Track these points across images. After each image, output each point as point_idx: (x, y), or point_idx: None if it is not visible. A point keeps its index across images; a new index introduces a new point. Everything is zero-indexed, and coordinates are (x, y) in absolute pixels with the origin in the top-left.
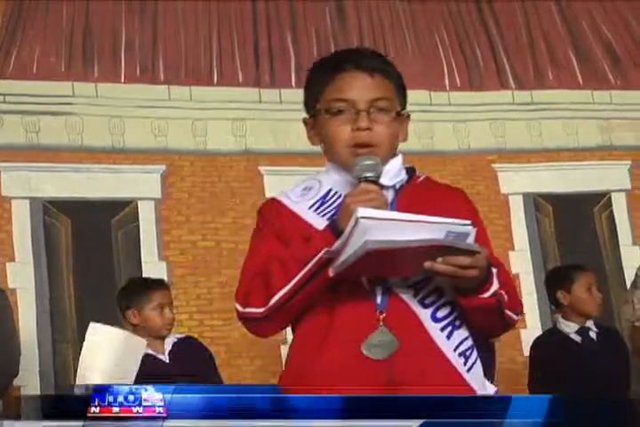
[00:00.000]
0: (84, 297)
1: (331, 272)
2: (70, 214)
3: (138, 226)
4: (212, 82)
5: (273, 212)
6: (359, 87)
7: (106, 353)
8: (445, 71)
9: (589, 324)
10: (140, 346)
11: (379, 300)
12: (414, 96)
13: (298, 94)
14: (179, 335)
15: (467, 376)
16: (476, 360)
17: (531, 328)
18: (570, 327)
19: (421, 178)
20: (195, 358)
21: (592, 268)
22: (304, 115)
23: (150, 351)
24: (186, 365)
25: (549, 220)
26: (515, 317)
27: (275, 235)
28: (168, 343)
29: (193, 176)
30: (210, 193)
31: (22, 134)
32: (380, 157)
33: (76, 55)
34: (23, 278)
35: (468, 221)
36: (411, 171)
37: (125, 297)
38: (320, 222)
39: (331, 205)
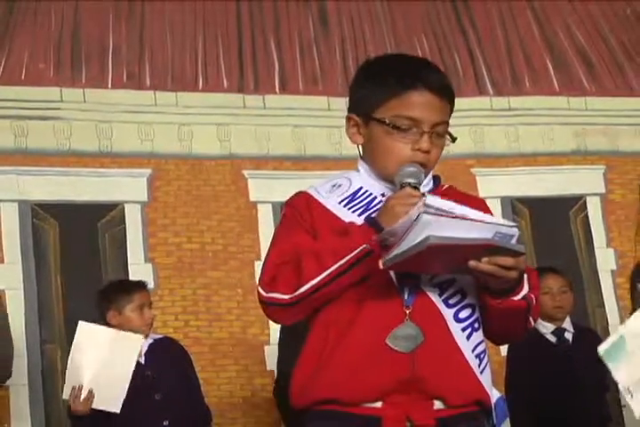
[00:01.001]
0: (72, 298)
1: (380, 265)
2: (58, 217)
3: (124, 228)
4: (198, 88)
5: (303, 204)
6: (428, 108)
7: (96, 353)
8: None
9: (566, 325)
10: (134, 344)
11: (406, 295)
12: None
13: (281, 100)
14: (156, 336)
15: (480, 378)
16: (487, 364)
17: None
18: (546, 328)
19: (445, 186)
20: (171, 358)
21: (567, 270)
22: (287, 120)
23: None
24: (161, 365)
25: (526, 223)
26: (532, 322)
27: (303, 226)
28: (145, 344)
29: (178, 180)
30: (195, 196)
31: (11, 138)
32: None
33: (64, 61)
34: (12, 280)
35: (515, 224)
36: (437, 179)
37: (106, 298)
38: (350, 217)
39: (361, 202)
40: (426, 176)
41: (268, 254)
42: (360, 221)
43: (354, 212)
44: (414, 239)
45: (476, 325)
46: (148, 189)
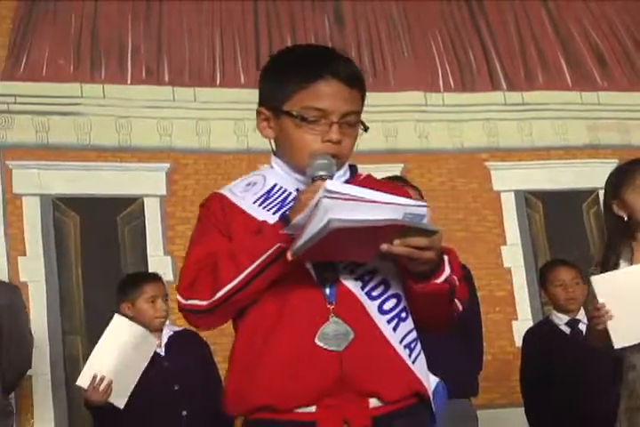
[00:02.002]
0: (92, 290)
1: (289, 256)
2: (79, 211)
3: (144, 222)
4: (215, 83)
5: (217, 205)
6: (336, 98)
7: (121, 348)
8: (440, 73)
9: (580, 316)
10: (151, 345)
11: (327, 291)
12: (410, 97)
13: None
14: (176, 328)
15: (413, 368)
16: (419, 353)
17: (522, 320)
18: (560, 319)
19: (363, 175)
20: (190, 350)
21: (581, 262)
22: None
23: None
24: (181, 357)
25: (540, 216)
26: (460, 307)
27: (218, 228)
28: (164, 336)
29: (197, 174)
30: (213, 190)
31: (32, 134)
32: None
33: (83, 58)
34: (34, 272)
35: (424, 203)
36: (353, 168)
37: (120, 291)
38: (265, 216)
39: (275, 199)
40: (340, 167)
41: (185, 260)
42: (275, 218)
43: (269, 210)
44: (317, 225)
45: (403, 314)
46: (166, 182)
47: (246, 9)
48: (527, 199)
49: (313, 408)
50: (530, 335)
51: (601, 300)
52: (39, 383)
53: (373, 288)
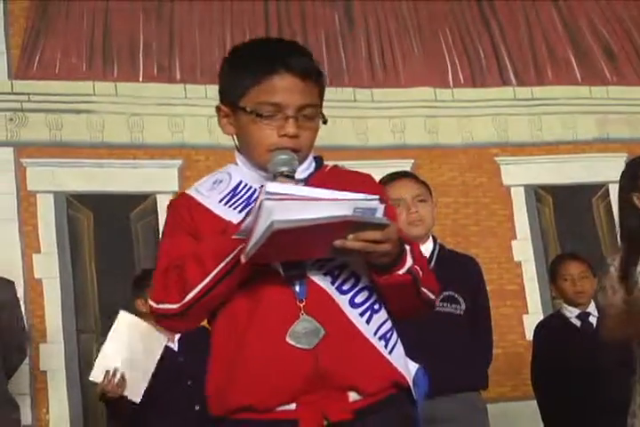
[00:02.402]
0: (106, 287)
1: (242, 259)
2: (92, 207)
3: (157, 218)
4: None
5: (184, 206)
6: (290, 92)
7: (130, 343)
8: (449, 69)
9: (591, 309)
10: (159, 341)
11: (297, 288)
12: (420, 93)
13: None
14: None
15: (390, 358)
16: (396, 342)
17: (532, 313)
18: (571, 312)
19: (329, 167)
20: (202, 345)
21: (590, 256)
22: None
23: None
24: (194, 352)
25: (550, 210)
26: (431, 295)
27: (186, 230)
28: None
29: (208, 170)
30: None
31: (46, 132)
32: (297, 157)
33: (96, 56)
34: (48, 269)
35: (375, 196)
36: (319, 160)
37: (135, 286)
38: (231, 215)
39: (241, 197)
40: (302, 161)
41: (156, 263)
42: (241, 217)
43: (235, 208)
44: (262, 227)
45: (376, 306)
46: (179, 179)
47: (257, 7)
48: (537, 193)
49: (293, 406)
50: (540, 328)
51: None
52: (54, 379)
53: (343, 282)
